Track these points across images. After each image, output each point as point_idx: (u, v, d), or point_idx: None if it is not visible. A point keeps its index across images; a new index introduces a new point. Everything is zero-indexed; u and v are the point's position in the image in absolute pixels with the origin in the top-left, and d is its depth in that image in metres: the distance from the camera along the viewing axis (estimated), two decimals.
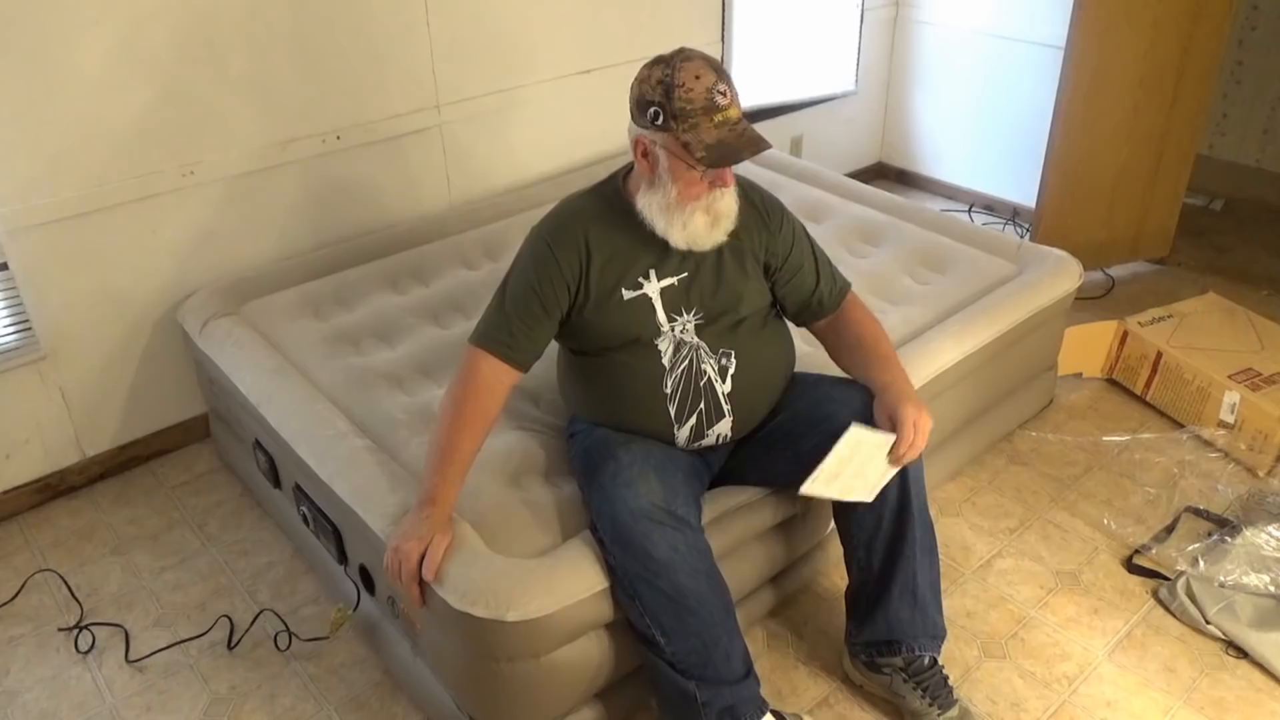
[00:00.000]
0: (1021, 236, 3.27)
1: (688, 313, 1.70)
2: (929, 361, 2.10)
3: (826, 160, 3.81)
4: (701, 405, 1.71)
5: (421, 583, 1.56)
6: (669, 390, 1.70)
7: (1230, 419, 2.49)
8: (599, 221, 1.68)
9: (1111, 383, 2.82)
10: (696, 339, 1.71)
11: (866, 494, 1.68)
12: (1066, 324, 2.60)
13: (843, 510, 1.78)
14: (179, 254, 2.42)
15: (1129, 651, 1.97)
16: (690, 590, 1.56)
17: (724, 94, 1.54)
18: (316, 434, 1.90)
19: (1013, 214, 3.78)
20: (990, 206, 3.86)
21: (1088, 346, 2.80)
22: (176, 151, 2.32)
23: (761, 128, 3.61)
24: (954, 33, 3.76)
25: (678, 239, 1.64)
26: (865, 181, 3.25)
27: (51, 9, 2.05)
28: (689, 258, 1.69)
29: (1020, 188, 3.68)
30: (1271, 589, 2.01)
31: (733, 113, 1.55)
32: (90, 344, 2.37)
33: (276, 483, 2.14)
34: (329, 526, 1.89)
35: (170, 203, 2.36)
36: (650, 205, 1.63)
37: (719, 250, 1.70)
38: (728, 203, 1.65)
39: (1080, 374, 2.83)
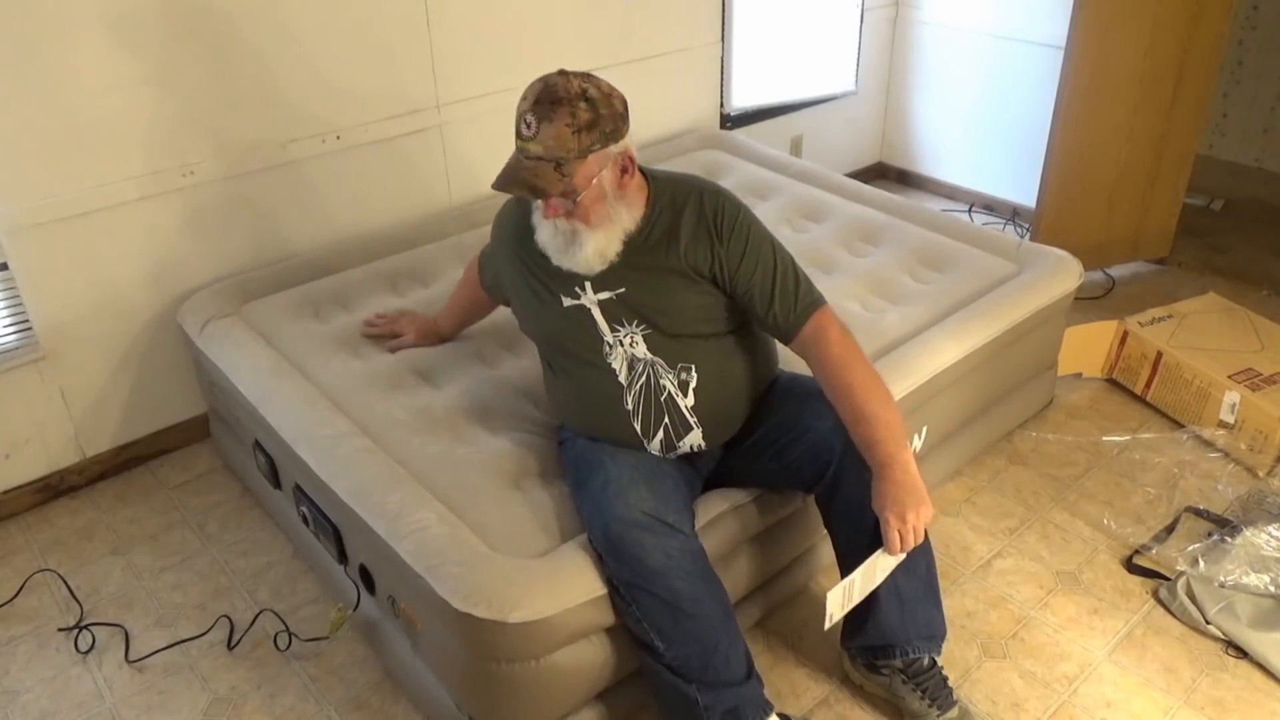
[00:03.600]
0: (1021, 236, 3.27)
1: (629, 324, 1.67)
2: (929, 361, 2.10)
3: (826, 160, 3.81)
4: (666, 419, 1.70)
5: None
6: (630, 407, 1.70)
7: (1230, 419, 2.49)
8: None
9: (1111, 383, 2.82)
10: (650, 355, 1.68)
11: (883, 576, 1.68)
12: (1066, 324, 2.60)
13: (829, 517, 1.77)
14: (179, 254, 2.42)
15: (1129, 651, 1.96)
16: (686, 595, 1.55)
17: (529, 125, 1.50)
18: (316, 434, 1.90)
19: (1013, 214, 3.78)
20: (990, 206, 3.86)
21: (1088, 346, 2.80)
22: (176, 151, 2.32)
23: (761, 128, 3.65)
24: (954, 33, 3.76)
25: (545, 250, 1.66)
26: (865, 181, 3.24)
27: (52, 9, 2.05)
28: (616, 275, 1.65)
29: (1020, 188, 3.68)
30: (1271, 589, 2.01)
31: (530, 146, 1.51)
32: (90, 344, 2.37)
33: (276, 483, 2.14)
34: (329, 526, 1.89)
35: (170, 203, 2.36)
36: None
37: (657, 266, 1.64)
38: (585, 233, 1.59)
39: (1080, 374, 2.83)
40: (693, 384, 1.69)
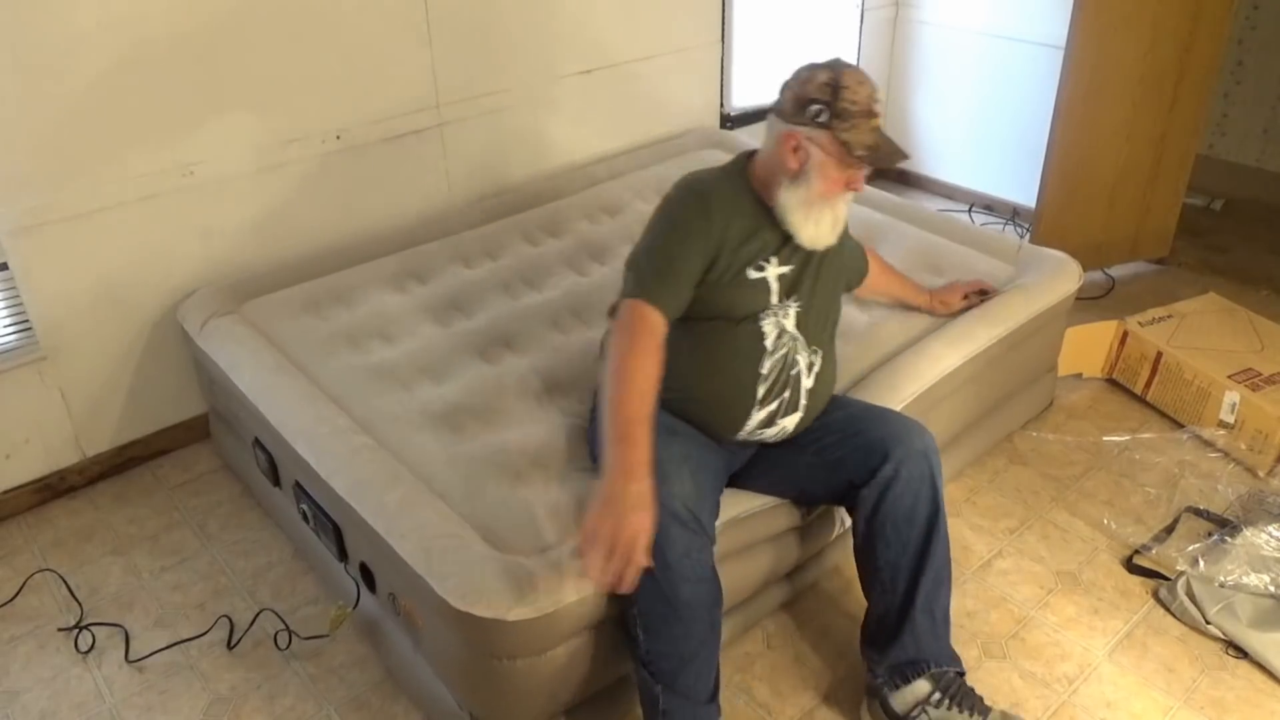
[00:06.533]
0: (1021, 236, 3.27)
1: (789, 299, 1.76)
2: (929, 368, 2.09)
3: None
4: (786, 394, 1.75)
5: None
6: (764, 371, 1.74)
7: (1230, 419, 2.49)
8: (734, 201, 1.74)
9: (1111, 383, 2.82)
10: (796, 330, 1.76)
11: None
12: (1067, 324, 2.60)
13: (868, 532, 1.77)
14: (179, 254, 2.42)
15: (1129, 651, 1.97)
16: (685, 599, 1.55)
17: (879, 104, 1.65)
18: (316, 432, 1.90)
19: (1013, 214, 3.78)
20: (990, 206, 3.86)
21: (1088, 347, 2.80)
22: (176, 151, 2.32)
23: (762, 127, 3.63)
24: (954, 33, 3.76)
25: (803, 235, 1.72)
26: (865, 181, 3.23)
27: (52, 10, 2.05)
28: (798, 251, 1.76)
29: (1020, 188, 3.68)
30: (1271, 589, 2.01)
31: (880, 123, 1.67)
32: (90, 344, 2.37)
33: (276, 481, 2.14)
34: (329, 524, 1.89)
35: (170, 203, 2.36)
36: (790, 199, 1.70)
37: (823, 253, 1.79)
38: (846, 209, 1.75)
39: (1080, 374, 2.83)
40: (816, 368, 1.79)
